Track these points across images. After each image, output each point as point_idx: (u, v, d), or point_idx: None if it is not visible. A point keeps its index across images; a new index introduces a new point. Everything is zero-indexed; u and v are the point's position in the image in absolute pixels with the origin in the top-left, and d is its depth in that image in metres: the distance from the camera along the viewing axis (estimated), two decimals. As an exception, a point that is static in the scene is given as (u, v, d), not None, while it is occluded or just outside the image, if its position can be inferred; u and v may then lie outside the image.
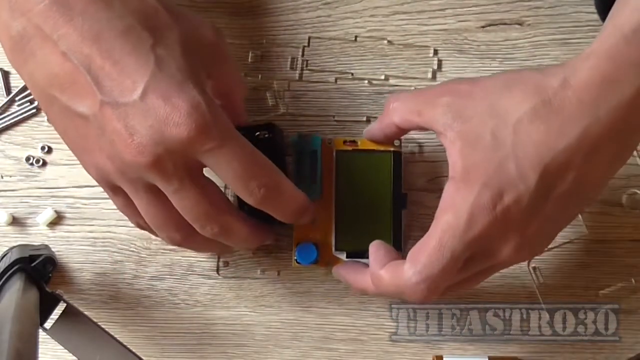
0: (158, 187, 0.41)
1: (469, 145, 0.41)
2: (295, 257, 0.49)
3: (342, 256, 0.49)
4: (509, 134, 0.40)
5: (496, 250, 0.41)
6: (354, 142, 0.49)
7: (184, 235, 0.43)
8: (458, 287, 0.44)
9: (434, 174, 0.52)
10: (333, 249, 0.49)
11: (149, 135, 0.38)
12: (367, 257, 0.46)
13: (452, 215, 0.40)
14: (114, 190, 0.43)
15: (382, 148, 0.49)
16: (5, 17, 0.40)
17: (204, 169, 0.41)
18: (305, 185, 0.48)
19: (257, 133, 0.46)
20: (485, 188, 0.40)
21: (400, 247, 0.48)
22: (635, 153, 0.52)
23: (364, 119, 0.52)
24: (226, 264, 0.52)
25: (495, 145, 0.40)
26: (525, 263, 0.52)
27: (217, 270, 0.52)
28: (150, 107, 0.38)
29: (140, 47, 0.39)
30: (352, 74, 0.52)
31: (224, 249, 0.45)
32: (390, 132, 0.47)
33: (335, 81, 0.52)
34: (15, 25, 0.39)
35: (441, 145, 0.42)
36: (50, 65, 0.39)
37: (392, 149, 0.49)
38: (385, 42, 0.52)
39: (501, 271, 0.51)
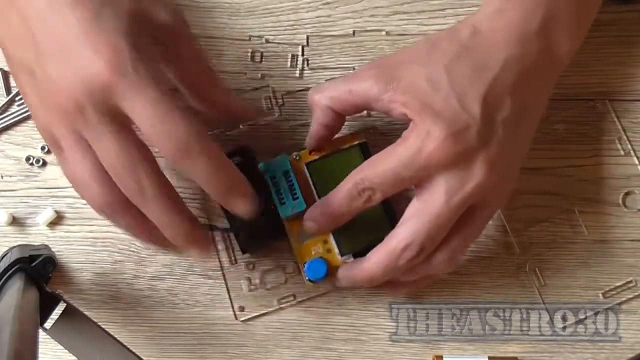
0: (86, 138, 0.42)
1: (409, 96, 0.44)
2: (306, 277, 0.49)
3: (350, 259, 0.49)
4: (443, 76, 0.43)
5: (469, 172, 0.43)
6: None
7: (108, 196, 0.42)
8: (458, 236, 0.46)
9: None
10: (339, 256, 0.49)
11: (74, 80, 0.40)
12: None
13: (403, 147, 0.44)
14: (57, 148, 0.43)
15: (347, 145, 0.49)
16: None
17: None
18: (288, 203, 0.48)
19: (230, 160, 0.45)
20: (435, 121, 0.43)
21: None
22: (635, 153, 0.52)
23: (364, 113, 0.52)
24: (242, 308, 0.52)
25: (434, 88, 0.43)
26: (526, 266, 0.52)
27: (236, 317, 0.52)
28: (79, 54, 0.40)
29: (84, 9, 0.40)
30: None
31: (149, 231, 0.44)
32: (330, 120, 0.47)
33: (335, 81, 0.53)
34: None
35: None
36: (10, 23, 0.42)
37: (356, 142, 0.49)
38: (384, 33, 0.52)
39: (501, 271, 0.52)
